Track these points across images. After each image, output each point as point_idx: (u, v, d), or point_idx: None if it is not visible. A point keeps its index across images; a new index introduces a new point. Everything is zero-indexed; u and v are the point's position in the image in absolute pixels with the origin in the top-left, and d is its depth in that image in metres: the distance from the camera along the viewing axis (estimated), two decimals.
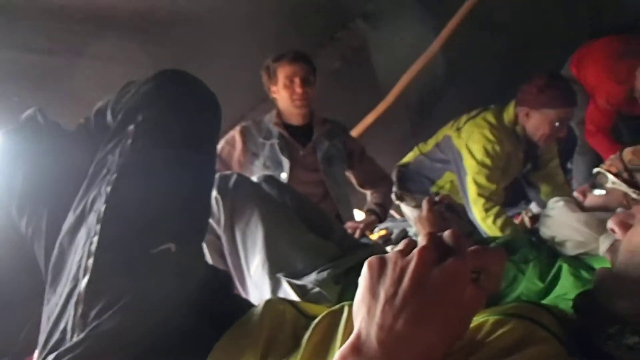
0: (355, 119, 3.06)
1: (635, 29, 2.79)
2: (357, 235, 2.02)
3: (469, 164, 2.20)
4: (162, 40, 2.12)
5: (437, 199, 1.45)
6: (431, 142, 2.57)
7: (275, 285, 1.21)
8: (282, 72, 2.17)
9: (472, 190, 2.17)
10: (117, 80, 1.05)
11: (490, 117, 2.23)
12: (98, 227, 0.78)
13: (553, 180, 2.51)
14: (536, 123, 2.15)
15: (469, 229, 2.06)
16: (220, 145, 2.29)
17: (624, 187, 1.33)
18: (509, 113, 2.24)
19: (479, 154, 2.17)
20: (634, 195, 1.32)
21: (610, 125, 2.72)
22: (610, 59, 2.61)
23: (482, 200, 2.12)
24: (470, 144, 2.22)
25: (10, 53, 1.82)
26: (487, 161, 2.16)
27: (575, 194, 1.50)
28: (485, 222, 2.09)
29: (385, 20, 2.73)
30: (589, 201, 1.43)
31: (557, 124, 2.11)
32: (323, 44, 2.74)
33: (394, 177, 2.72)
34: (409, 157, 2.73)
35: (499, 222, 2.03)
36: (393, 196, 2.69)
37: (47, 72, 1.94)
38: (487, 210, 2.10)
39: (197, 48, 2.26)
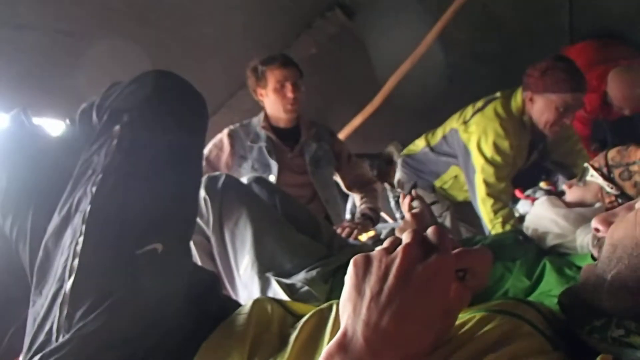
0: (336, 110, 3.06)
1: (610, 34, 2.85)
2: (352, 238, 2.01)
3: (478, 162, 2.11)
4: (141, 29, 2.10)
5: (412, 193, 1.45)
6: (438, 134, 2.46)
7: (264, 285, 1.21)
8: (273, 76, 2.16)
9: (481, 189, 2.09)
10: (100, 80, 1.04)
11: (499, 109, 2.11)
12: (83, 227, 0.77)
13: (579, 156, 2.41)
14: (540, 109, 2.02)
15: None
16: (208, 148, 2.29)
17: (600, 181, 1.39)
18: (516, 101, 2.12)
19: (489, 151, 2.08)
20: (608, 189, 1.38)
21: (588, 134, 2.73)
22: (582, 68, 2.63)
23: (491, 201, 2.05)
24: (479, 139, 2.11)
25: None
26: (497, 158, 2.07)
27: (563, 186, 1.55)
28: (493, 223, 2.03)
29: (364, 11, 2.74)
30: (570, 194, 1.48)
31: (561, 110, 1.98)
32: (300, 33, 2.73)
33: (398, 166, 2.68)
34: (415, 146, 2.62)
35: (508, 226, 1.97)
36: (395, 184, 2.69)
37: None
38: (495, 212, 2.03)
39: (175, 37, 2.25)
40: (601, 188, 1.40)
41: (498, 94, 2.20)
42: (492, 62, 3.09)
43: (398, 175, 2.68)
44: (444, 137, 2.40)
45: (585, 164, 1.45)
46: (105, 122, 0.91)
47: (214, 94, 2.66)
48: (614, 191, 1.37)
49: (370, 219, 2.28)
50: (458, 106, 2.39)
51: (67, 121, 1.10)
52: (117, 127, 0.87)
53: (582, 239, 1.23)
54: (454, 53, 3.07)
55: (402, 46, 2.89)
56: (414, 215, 1.35)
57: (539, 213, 1.41)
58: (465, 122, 2.23)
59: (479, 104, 2.24)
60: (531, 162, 2.37)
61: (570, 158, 2.44)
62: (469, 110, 2.26)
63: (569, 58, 2.11)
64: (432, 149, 2.49)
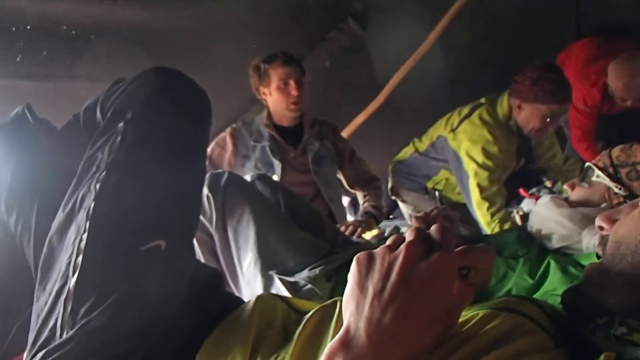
0: (346, 117, 3.07)
1: (615, 30, 2.84)
2: (356, 236, 2.02)
3: (471, 167, 2.17)
4: (156, 48, 2.10)
5: (432, 211, 1.44)
6: (425, 142, 2.53)
7: (267, 283, 1.21)
8: (276, 74, 2.15)
9: (475, 193, 2.15)
10: None
11: (485, 115, 2.18)
12: (87, 224, 0.78)
13: (553, 161, 2.52)
14: (527, 116, 2.10)
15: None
16: (210, 147, 2.28)
17: (607, 181, 1.35)
18: (502, 107, 2.19)
19: (480, 157, 2.14)
20: (615, 190, 1.34)
21: (593, 127, 2.74)
22: (583, 64, 2.65)
23: (486, 204, 2.11)
24: (469, 146, 2.18)
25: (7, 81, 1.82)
26: (489, 163, 2.13)
27: (565, 186, 1.52)
28: (490, 227, 2.08)
29: (376, 19, 2.74)
30: (574, 194, 1.44)
31: (548, 119, 2.06)
32: (314, 45, 2.73)
33: (390, 172, 2.71)
34: (404, 153, 2.69)
35: (506, 226, 2.03)
36: (389, 191, 2.70)
37: (42, 96, 1.92)
38: (492, 215, 2.09)
39: (189, 53, 2.26)
40: (608, 189, 1.36)
41: (483, 100, 2.27)
42: (495, 63, 3.09)
43: (391, 182, 2.73)
44: (432, 145, 2.48)
45: (588, 164, 1.42)
46: (109, 119, 0.91)
47: (227, 109, 2.67)
48: (622, 192, 1.33)
49: (374, 217, 2.27)
50: (460, 106, 2.41)
51: (71, 117, 1.10)
52: (120, 124, 0.87)
53: (589, 240, 1.19)
54: (457, 54, 3.08)
55: (407, 47, 2.90)
56: (417, 219, 1.34)
57: (542, 214, 1.38)
58: (453, 130, 2.30)
59: (465, 110, 2.30)
60: (521, 166, 2.44)
61: (549, 166, 2.56)
62: (455, 118, 2.33)
63: (558, 67, 2.19)
64: (421, 154, 2.56)
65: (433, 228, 0.54)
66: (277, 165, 2.20)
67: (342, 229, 2.01)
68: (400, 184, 2.67)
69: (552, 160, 2.53)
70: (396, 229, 2.41)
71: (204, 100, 0.95)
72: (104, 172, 0.83)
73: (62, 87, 1.94)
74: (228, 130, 2.31)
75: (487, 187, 2.13)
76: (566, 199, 1.43)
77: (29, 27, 1.70)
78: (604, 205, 1.36)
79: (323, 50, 2.77)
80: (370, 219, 2.25)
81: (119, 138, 0.86)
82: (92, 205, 0.79)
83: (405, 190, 2.66)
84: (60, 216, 0.85)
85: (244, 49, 2.41)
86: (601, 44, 2.72)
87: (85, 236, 0.77)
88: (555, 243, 1.28)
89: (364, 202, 2.40)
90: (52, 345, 0.70)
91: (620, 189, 1.33)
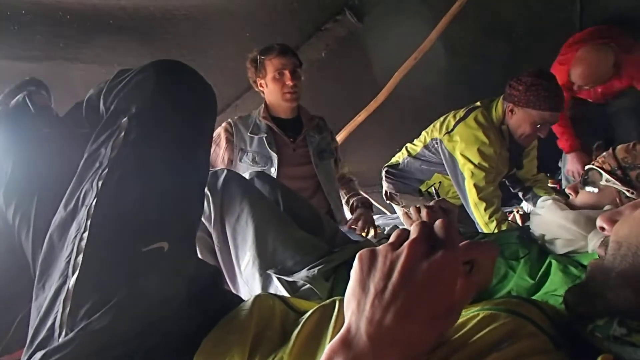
0: (343, 113, 3.06)
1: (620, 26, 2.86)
2: (363, 232, 2.06)
3: (467, 168, 2.21)
4: (151, 35, 2.11)
5: (431, 203, 1.44)
6: (418, 144, 2.58)
7: (265, 282, 1.20)
8: (271, 65, 2.14)
9: (472, 193, 2.18)
10: None
11: (480, 118, 2.23)
12: (88, 222, 0.76)
13: (528, 168, 2.57)
14: (518, 120, 2.16)
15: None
16: None
17: (618, 186, 1.30)
18: (497, 111, 2.24)
19: (476, 158, 2.18)
20: (627, 194, 1.29)
21: (566, 109, 2.74)
22: (567, 46, 2.70)
23: (483, 204, 2.15)
24: (464, 147, 2.22)
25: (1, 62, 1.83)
26: (484, 163, 2.17)
27: (566, 190, 1.48)
28: (489, 227, 2.11)
29: (374, 13, 2.74)
30: (580, 198, 1.39)
31: (538, 125, 2.12)
32: (310, 36, 2.74)
33: (383, 177, 2.74)
34: (397, 158, 2.74)
35: (504, 226, 2.08)
36: (383, 196, 2.73)
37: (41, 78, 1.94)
38: (490, 215, 2.13)
39: (184, 41, 2.26)
40: (619, 192, 1.30)
41: (478, 103, 2.33)
42: (500, 63, 3.09)
43: (385, 186, 2.75)
44: (426, 147, 2.52)
45: (591, 166, 1.37)
46: (112, 112, 0.89)
47: (221, 96, 2.67)
48: (634, 196, 1.27)
49: (370, 207, 2.33)
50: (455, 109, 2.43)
51: (74, 106, 1.09)
52: (124, 120, 0.85)
53: (595, 243, 1.14)
54: (461, 55, 3.08)
55: (407, 44, 2.90)
56: (417, 210, 1.33)
57: (545, 218, 1.33)
58: (448, 132, 2.33)
59: (460, 113, 2.35)
60: (511, 173, 2.50)
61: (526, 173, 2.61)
62: (451, 120, 2.37)
63: (552, 75, 2.21)
64: (414, 158, 2.60)
65: (437, 224, 0.53)
66: (275, 157, 2.19)
67: (354, 226, 2.08)
68: (394, 188, 2.71)
69: (527, 167, 2.57)
70: (395, 228, 2.40)
71: (208, 95, 0.93)
72: (107, 169, 0.81)
73: (56, 69, 1.95)
74: (223, 125, 2.29)
75: (484, 188, 2.17)
76: (567, 202, 1.39)
77: (23, 11, 1.73)
78: (607, 207, 1.31)
79: (319, 40, 2.78)
80: (368, 210, 2.28)
81: (123, 134, 0.84)
82: (94, 203, 0.78)
83: (400, 193, 2.70)
84: (61, 212, 0.84)
85: (239, 37, 2.41)
86: (590, 32, 2.78)
87: (85, 235, 0.75)
88: (559, 249, 1.24)
89: (353, 196, 2.43)
90: (51, 347, 0.69)
91: (632, 193, 1.28)
